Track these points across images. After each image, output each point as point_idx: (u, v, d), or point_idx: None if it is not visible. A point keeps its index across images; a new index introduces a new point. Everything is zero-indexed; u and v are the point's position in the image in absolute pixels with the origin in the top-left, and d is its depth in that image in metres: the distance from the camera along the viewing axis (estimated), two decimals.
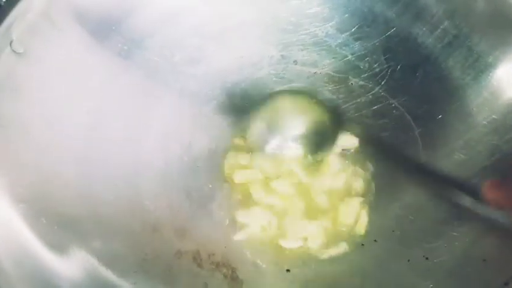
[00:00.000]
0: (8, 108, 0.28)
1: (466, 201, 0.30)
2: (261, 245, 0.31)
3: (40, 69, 0.29)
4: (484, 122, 0.31)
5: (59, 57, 0.30)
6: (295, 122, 0.35)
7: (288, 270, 0.30)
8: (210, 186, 0.33)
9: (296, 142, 0.35)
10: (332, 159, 0.34)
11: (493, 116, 0.31)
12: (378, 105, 0.35)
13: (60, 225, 0.28)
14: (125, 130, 0.33)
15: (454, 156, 0.32)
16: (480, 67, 0.32)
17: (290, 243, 0.31)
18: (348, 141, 0.35)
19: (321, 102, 0.36)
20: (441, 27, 0.33)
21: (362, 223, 0.31)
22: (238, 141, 0.35)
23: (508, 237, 0.27)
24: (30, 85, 0.29)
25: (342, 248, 0.31)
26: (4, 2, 0.29)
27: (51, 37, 0.30)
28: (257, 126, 0.36)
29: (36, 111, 0.29)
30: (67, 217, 0.28)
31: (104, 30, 0.32)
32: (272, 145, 0.35)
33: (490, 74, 0.32)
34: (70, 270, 0.27)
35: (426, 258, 0.28)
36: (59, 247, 0.27)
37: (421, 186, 0.32)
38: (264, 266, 0.30)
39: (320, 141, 0.35)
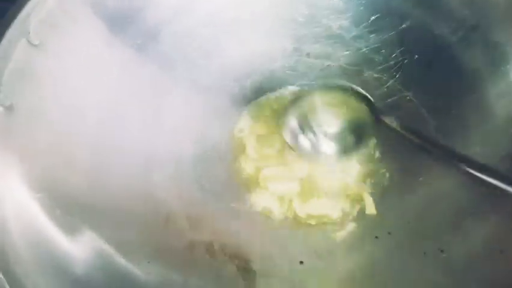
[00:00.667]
0: (25, 97, 0.28)
1: (483, 193, 0.29)
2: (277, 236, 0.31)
3: (56, 60, 0.29)
4: (502, 114, 0.31)
5: (75, 48, 0.31)
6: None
7: (301, 262, 0.30)
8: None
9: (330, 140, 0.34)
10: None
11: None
12: (393, 98, 0.35)
13: (75, 213, 0.28)
14: (139, 121, 0.33)
15: (471, 149, 0.31)
16: (498, 58, 0.32)
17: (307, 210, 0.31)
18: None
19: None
20: (458, 18, 0.33)
21: (369, 204, 0.31)
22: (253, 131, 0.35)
23: None
24: (46, 76, 0.29)
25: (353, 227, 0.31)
26: None
27: (67, 29, 0.30)
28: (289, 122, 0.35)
29: (52, 102, 0.29)
30: (80, 205, 0.29)
31: (119, 22, 0.33)
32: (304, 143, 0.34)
33: (508, 65, 0.31)
34: (85, 258, 0.27)
35: (442, 251, 0.28)
36: (73, 234, 0.27)
37: (436, 179, 0.31)
38: (277, 257, 0.30)
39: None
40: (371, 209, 0.31)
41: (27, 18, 0.29)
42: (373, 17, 0.36)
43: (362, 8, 0.36)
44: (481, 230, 0.28)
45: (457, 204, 0.30)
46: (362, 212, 0.31)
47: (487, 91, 0.32)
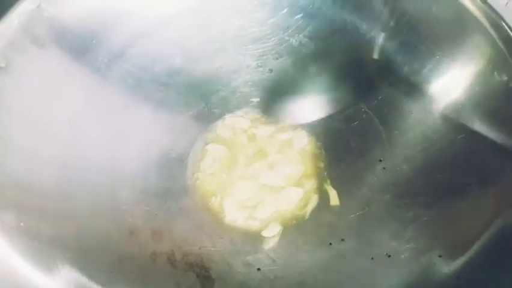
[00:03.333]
0: None
1: (426, 199, 0.31)
2: (236, 245, 0.33)
3: (22, 82, 0.31)
4: (443, 123, 0.33)
5: (42, 71, 0.31)
6: None
7: (258, 269, 0.31)
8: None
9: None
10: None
11: (450, 116, 0.32)
12: (349, 110, 0.36)
13: (40, 227, 0.29)
14: (106, 139, 0.34)
15: (416, 156, 0.33)
16: (439, 70, 0.33)
17: (270, 232, 0.33)
18: None
19: None
20: (402, 34, 0.35)
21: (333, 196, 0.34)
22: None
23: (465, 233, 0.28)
24: (12, 98, 0.30)
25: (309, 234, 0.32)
26: None
27: (34, 52, 0.31)
28: None
29: (17, 122, 0.30)
30: (46, 218, 0.29)
31: (85, 44, 0.34)
32: None
33: (448, 76, 0.33)
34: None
35: (389, 256, 0.29)
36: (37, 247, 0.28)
37: (385, 186, 0.33)
38: (236, 265, 0.31)
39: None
40: (334, 200, 0.33)
41: None
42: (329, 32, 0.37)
43: (317, 24, 0.38)
44: (423, 237, 0.30)
45: (403, 211, 0.31)
46: (317, 220, 0.33)
47: (429, 101, 0.33)
